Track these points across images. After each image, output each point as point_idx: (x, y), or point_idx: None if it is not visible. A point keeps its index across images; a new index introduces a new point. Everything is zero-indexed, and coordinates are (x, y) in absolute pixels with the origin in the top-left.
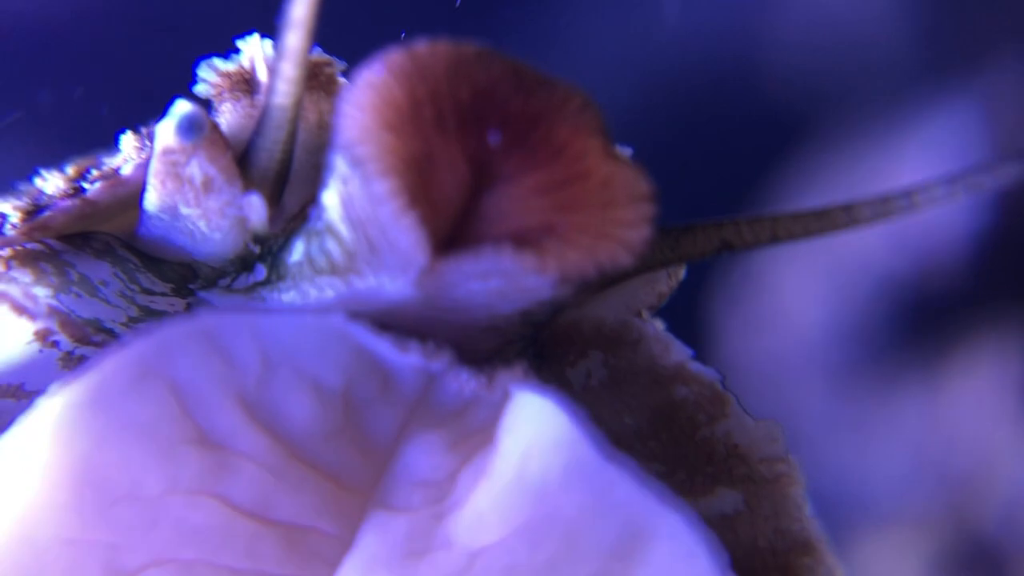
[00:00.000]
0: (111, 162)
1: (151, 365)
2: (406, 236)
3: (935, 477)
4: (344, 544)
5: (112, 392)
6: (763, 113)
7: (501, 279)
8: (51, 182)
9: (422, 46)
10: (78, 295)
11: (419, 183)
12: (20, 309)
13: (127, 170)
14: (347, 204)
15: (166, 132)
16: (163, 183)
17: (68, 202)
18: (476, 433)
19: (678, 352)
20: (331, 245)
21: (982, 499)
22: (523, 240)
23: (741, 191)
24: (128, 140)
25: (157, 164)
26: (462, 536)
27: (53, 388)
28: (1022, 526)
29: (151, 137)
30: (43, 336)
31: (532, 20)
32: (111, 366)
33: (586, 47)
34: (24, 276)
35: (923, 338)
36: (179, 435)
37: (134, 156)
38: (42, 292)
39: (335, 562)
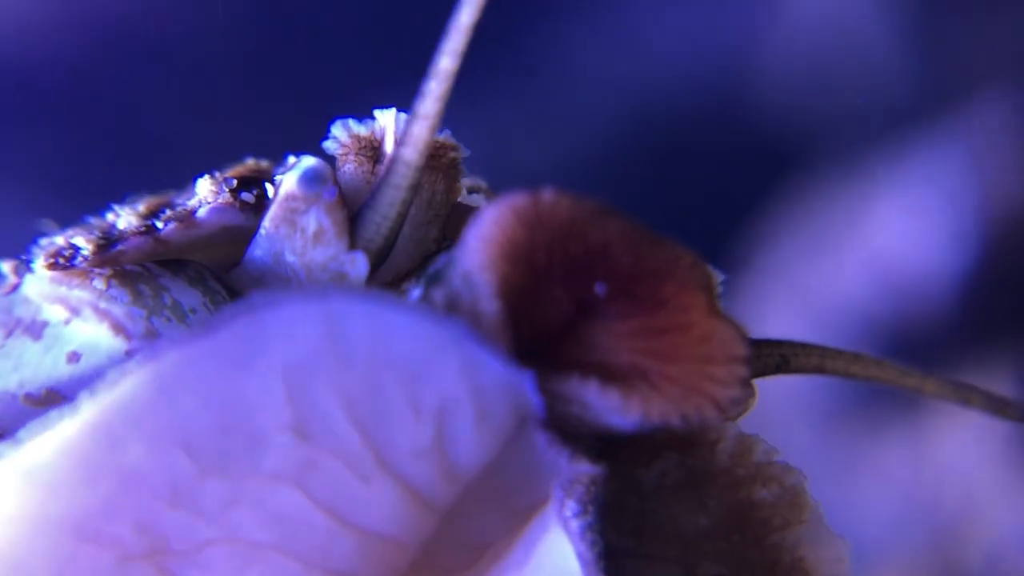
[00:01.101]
0: (187, 203)
1: (265, 339)
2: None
3: (922, 521)
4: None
5: (222, 359)
6: (750, 147)
7: (581, 409)
8: (124, 218)
9: (548, 196)
10: (168, 319)
11: (521, 310)
12: (119, 328)
13: (202, 213)
14: (448, 305)
15: (291, 180)
16: (277, 227)
17: (140, 239)
18: (527, 510)
19: (761, 452)
20: None
21: (967, 543)
22: (612, 376)
23: (726, 223)
24: (205, 183)
25: (276, 209)
26: None
27: (161, 344)
28: (1005, 569)
29: (227, 182)
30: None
31: (523, 50)
32: (227, 332)
33: (576, 77)
34: (124, 296)
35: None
36: (275, 420)
37: (210, 200)
38: (139, 313)
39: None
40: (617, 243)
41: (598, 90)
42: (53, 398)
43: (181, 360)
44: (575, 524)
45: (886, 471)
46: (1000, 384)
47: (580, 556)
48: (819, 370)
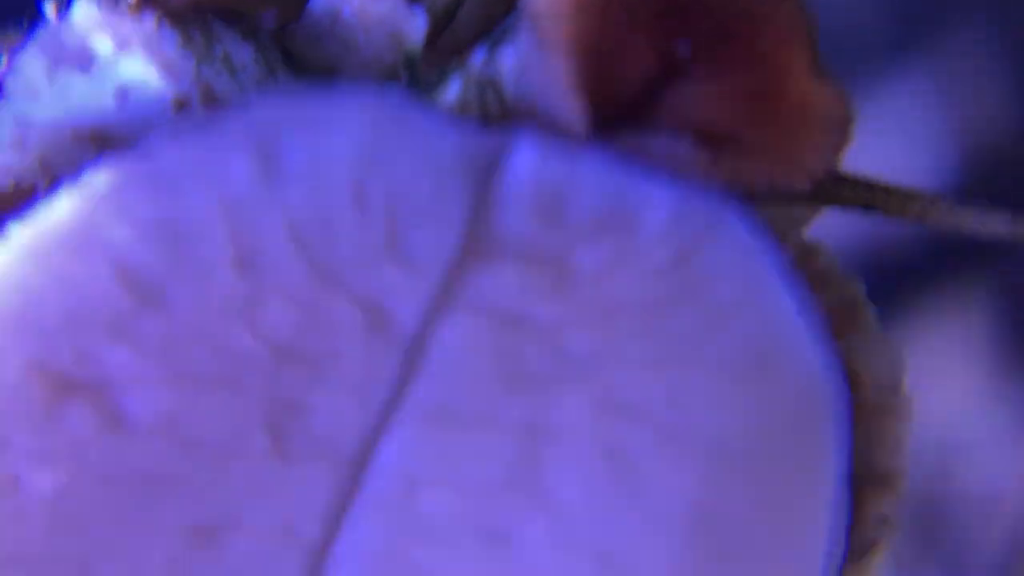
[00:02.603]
0: None
1: (204, 162)
2: (570, 113)
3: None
4: (371, 377)
5: (158, 185)
6: None
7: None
8: None
9: None
10: (219, 71)
11: (598, 66)
12: (168, 70)
13: None
14: (519, 66)
15: None
16: None
17: None
18: None
19: (823, 259)
20: (491, 97)
21: (950, 480)
22: (701, 139)
23: None
24: None
25: None
26: None
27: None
28: (989, 506)
29: None
30: (180, 104)
31: None
32: (168, 154)
33: None
34: (174, 38)
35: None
36: (217, 252)
37: None
38: (189, 58)
39: (364, 387)
40: None
41: None
42: (99, 135)
43: (117, 184)
44: None
45: None
46: (975, 310)
47: None
48: (919, 220)
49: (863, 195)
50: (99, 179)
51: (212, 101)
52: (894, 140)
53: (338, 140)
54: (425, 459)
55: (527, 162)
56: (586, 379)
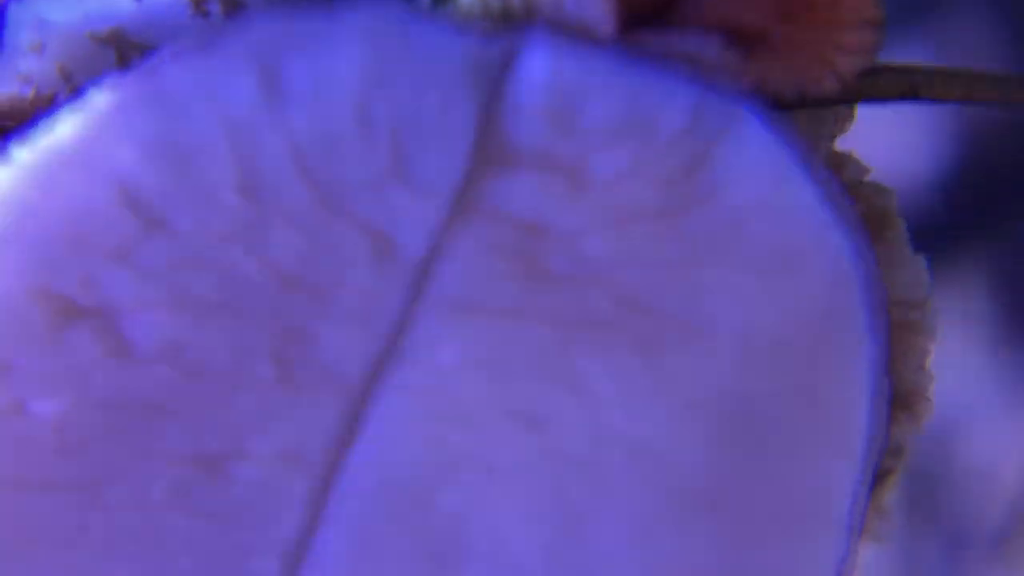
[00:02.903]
0: None
1: (207, 83)
2: (597, 11)
3: None
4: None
5: (161, 105)
6: None
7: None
8: None
9: None
10: None
11: None
12: None
13: None
14: None
15: None
16: None
17: None
18: None
19: (852, 169)
20: None
21: (951, 454)
22: (730, 39)
23: None
24: None
25: None
26: None
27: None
28: (988, 481)
29: None
30: (198, 5)
31: None
32: (173, 71)
33: None
34: None
35: None
36: (220, 178)
37: None
38: None
39: (369, 317)
40: None
41: None
42: (117, 38)
43: (119, 104)
44: None
45: None
46: (974, 287)
47: None
48: (965, 98)
49: (902, 83)
50: (101, 99)
51: (232, 6)
52: (891, 120)
53: (340, 59)
54: (453, 346)
55: (540, 66)
56: (606, 280)
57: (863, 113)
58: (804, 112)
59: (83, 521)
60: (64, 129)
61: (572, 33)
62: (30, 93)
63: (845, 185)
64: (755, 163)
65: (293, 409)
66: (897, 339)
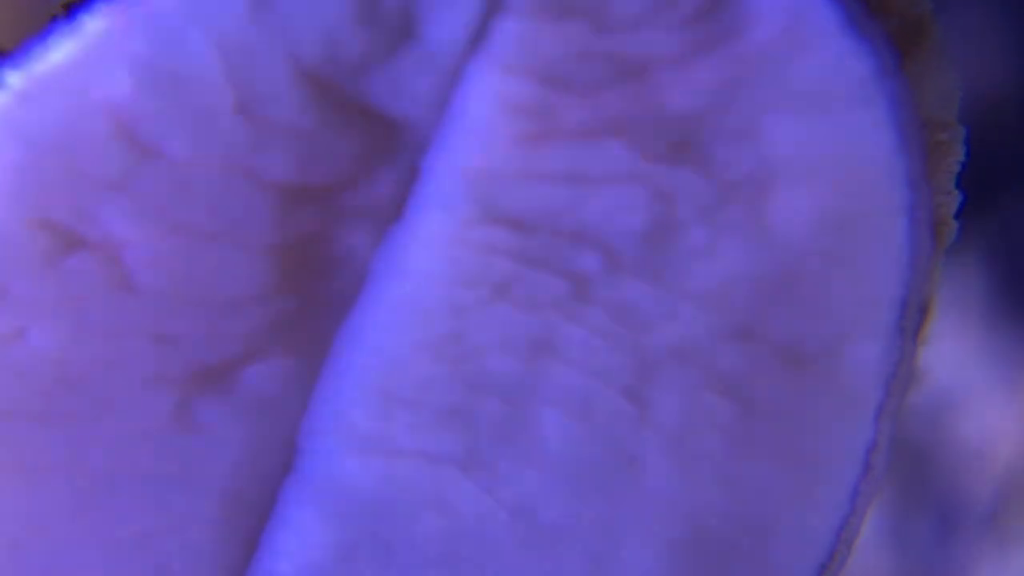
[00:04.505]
0: None
1: (195, 4)
2: None
3: None
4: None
5: (156, 22)
6: None
7: None
8: None
9: None
10: None
11: None
12: None
13: None
14: None
15: None
16: None
17: None
18: None
19: None
20: None
21: (943, 434)
22: None
23: None
24: None
25: None
26: None
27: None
28: (980, 461)
29: None
30: None
31: None
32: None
33: None
34: None
35: None
36: (216, 100)
37: None
38: None
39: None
40: None
41: None
42: None
43: (111, 28)
44: None
45: None
46: (969, 264)
47: None
48: None
49: None
50: (94, 25)
51: None
52: (988, 30)
53: None
54: (470, 207)
55: None
56: (626, 130)
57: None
58: None
59: (82, 452)
60: (56, 55)
61: None
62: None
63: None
64: (773, 7)
65: (304, 313)
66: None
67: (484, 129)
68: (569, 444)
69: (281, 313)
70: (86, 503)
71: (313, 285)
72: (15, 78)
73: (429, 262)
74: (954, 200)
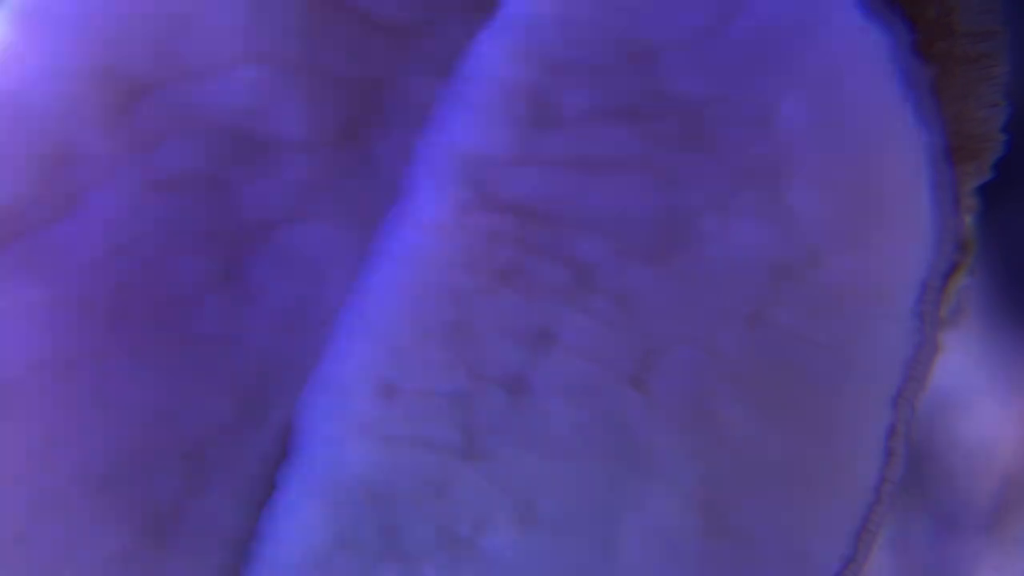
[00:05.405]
0: None
1: None
2: None
3: None
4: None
5: None
6: None
7: None
8: None
9: None
10: None
11: None
12: None
13: None
14: None
15: None
16: None
17: None
18: None
19: None
20: None
21: (937, 436)
22: None
23: None
24: None
25: None
26: None
27: None
28: (974, 464)
29: None
30: None
31: None
32: None
33: None
34: None
35: None
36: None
37: None
38: None
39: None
40: None
41: None
42: None
43: None
44: None
45: None
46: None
47: None
48: None
49: None
50: None
51: None
52: None
53: None
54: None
55: None
56: (633, 115)
57: None
58: None
59: (118, 329)
60: None
61: None
62: None
63: None
64: None
65: (348, 177)
66: (963, 77)
67: (485, 113)
68: (572, 430)
69: (328, 168)
70: (118, 386)
71: (365, 142)
72: None
73: (430, 248)
74: (1001, 113)
